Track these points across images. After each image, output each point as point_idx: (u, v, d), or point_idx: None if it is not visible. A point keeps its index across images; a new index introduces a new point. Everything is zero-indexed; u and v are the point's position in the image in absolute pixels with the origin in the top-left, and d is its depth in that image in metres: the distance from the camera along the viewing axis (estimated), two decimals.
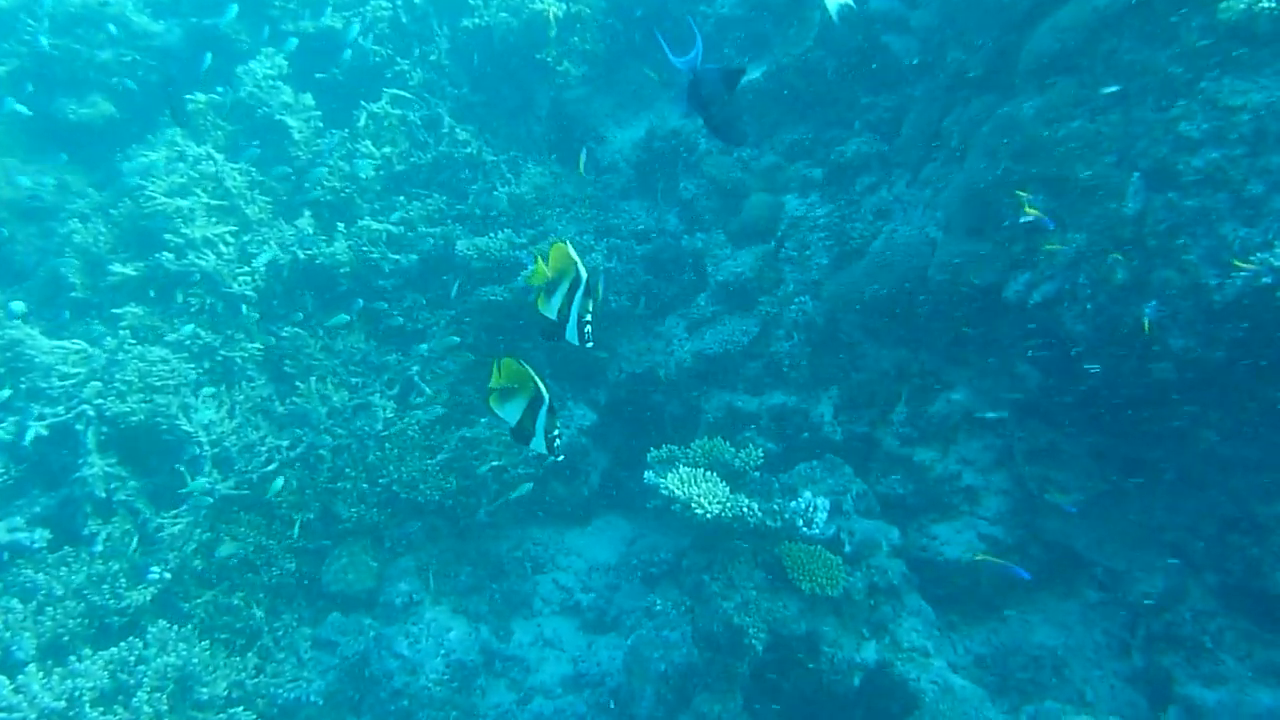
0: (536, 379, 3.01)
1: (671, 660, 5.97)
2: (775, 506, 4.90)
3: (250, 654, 6.32)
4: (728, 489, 4.92)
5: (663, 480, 4.99)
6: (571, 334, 2.97)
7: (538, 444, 3.05)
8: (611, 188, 8.51)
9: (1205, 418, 4.46)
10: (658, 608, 5.34)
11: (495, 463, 6.60)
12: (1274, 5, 3.92)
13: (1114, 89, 4.47)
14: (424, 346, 7.29)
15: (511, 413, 3.05)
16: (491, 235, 7.29)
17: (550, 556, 7.23)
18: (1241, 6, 4.01)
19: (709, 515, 4.79)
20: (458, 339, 7.15)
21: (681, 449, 5.46)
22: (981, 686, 5.20)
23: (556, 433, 3.06)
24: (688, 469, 5.02)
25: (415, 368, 7.15)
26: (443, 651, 6.56)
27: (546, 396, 3.00)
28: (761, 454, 5.26)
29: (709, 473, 5.04)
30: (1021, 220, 4.47)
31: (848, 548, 5.27)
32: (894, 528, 5.39)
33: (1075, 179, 4.54)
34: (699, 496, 4.83)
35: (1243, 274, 3.84)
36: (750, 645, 4.94)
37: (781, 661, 5.21)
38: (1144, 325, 4.27)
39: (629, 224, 7.81)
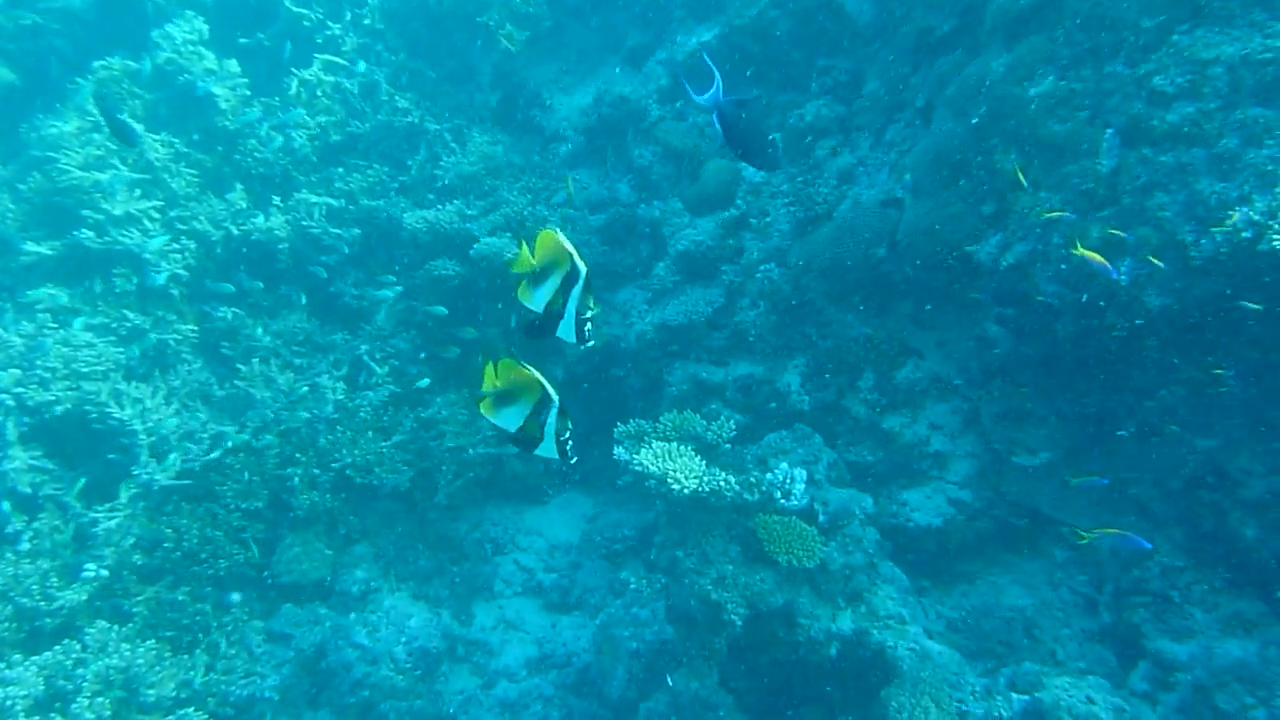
0: (543, 380, 2.77)
1: (643, 638, 5.86)
2: (752, 479, 4.79)
3: (199, 651, 6.01)
4: (703, 463, 4.78)
5: (635, 456, 4.83)
6: (567, 331, 2.72)
7: (547, 449, 2.81)
8: (559, 156, 8.26)
9: (1177, 373, 4.46)
10: (631, 585, 5.20)
11: (452, 443, 6.36)
12: None
13: (1085, 43, 4.40)
14: (382, 302, 6.96)
15: (512, 418, 2.80)
16: (440, 207, 7.00)
17: (510, 537, 7.05)
18: None
19: (686, 490, 4.65)
20: (444, 309, 6.75)
21: (650, 423, 5.30)
22: (957, 651, 5.19)
23: (567, 435, 2.82)
24: (661, 443, 4.87)
25: (364, 346, 6.85)
26: (404, 639, 6.34)
27: (556, 398, 2.77)
28: (733, 426, 5.14)
29: (682, 446, 4.90)
30: (1092, 268, 4.16)
31: (822, 517, 5.20)
32: (867, 495, 5.33)
33: (1048, 137, 4.48)
34: (674, 471, 4.69)
35: (1222, 230, 3.82)
36: (729, 621, 4.84)
37: (759, 635, 5.13)
38: (1121, 283, 4.23)
39: (581, 193, 7.58)
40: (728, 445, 5.23)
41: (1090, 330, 4.52)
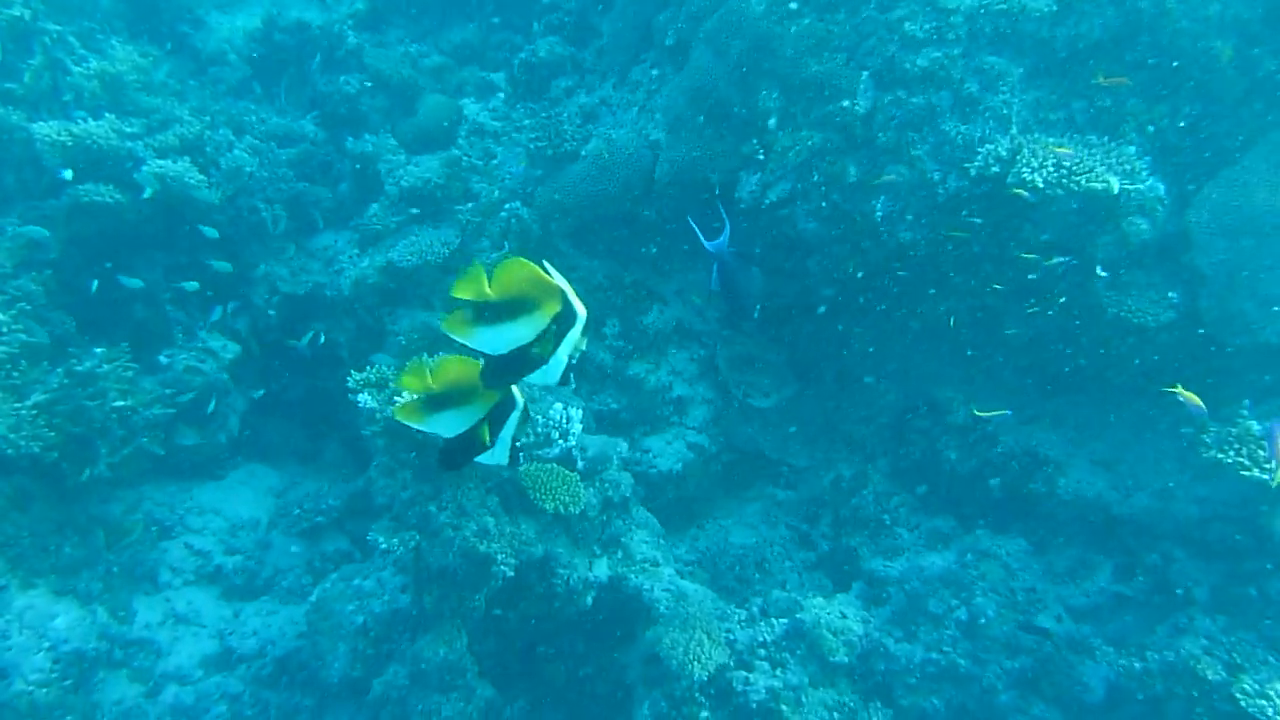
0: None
1: (371, 610, 5.23)
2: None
3: None
4: None
5: (393, 403, 4.25)
6: (548, 375, 2.34)
7: (498, 455, 2.54)
8: (222, 83, 7.15)
9: (913, 309, 4.87)
10: (382, 546, 4.57)
11: (119, 403, 5.15)
12: None
13: None
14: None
15: (455, 422, 2.46)
16: (91, 121, 5.67)
17: (179, 517, 5.93)
18: None
19: None
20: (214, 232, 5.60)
21: (393, 369, 4.73)
22: (709, 588, 5.25)
23: (521, 443, 2.59)
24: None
25: None
26: (47, 644, 5.03)
27: (521, 401, 2.50)
28: None
29: None
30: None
31: (580, 464, 4.97)
32: (622, 440, 5.20)
33: (809, 77, 4.66)
34: None
35: (975, 164, 4.21)
36: (498, 573, 4.44)
37: (515, 589, 4.77)
38: (876, 220, 4.52)
39: (261, 125, 6.59)
40: None
41: (843, 265, 4.78)
